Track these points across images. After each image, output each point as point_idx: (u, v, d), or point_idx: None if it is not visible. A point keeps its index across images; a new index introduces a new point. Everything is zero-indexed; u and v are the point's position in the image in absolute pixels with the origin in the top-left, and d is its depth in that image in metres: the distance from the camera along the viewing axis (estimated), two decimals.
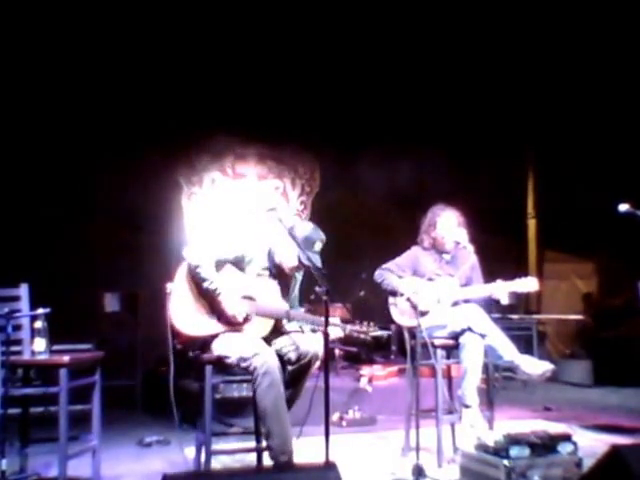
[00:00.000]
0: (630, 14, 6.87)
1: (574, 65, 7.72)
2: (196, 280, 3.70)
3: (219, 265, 3.76)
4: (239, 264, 3.83)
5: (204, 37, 7.17)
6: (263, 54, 7.43)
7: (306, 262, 3.67)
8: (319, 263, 3.68)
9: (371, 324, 3.81)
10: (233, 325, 3.72)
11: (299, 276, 4.05)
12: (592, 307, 8.88)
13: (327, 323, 3.30)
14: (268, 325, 3.78)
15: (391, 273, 4.51)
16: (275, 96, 7.67)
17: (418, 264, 4.54)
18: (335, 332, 3.77)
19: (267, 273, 3.88)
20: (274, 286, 3.86)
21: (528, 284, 4.33)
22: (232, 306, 3.69)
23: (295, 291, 4.07)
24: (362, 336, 3.80)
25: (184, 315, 3.69)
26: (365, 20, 7.20)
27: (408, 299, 4.09)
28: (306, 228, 3.82)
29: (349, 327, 3.77)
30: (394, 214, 8.15)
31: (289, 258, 3.83)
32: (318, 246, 3.79)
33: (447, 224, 4.53)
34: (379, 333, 3.86)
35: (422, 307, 4.27)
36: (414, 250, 4.64)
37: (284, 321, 3.86)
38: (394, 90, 7.97)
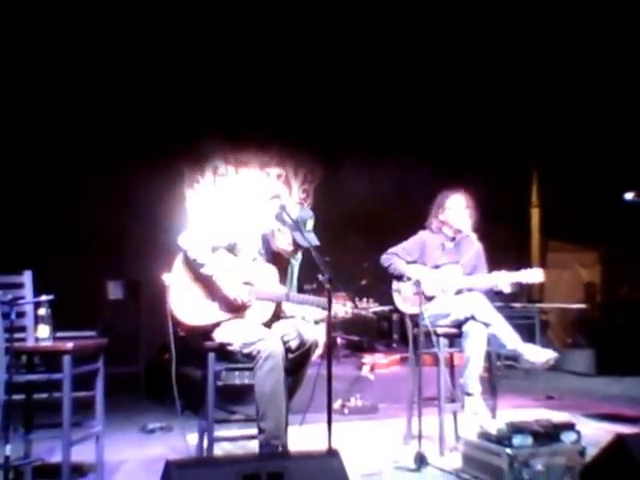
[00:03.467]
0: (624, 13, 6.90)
1: (575, 60, 7.70)
2: (194, 267, 3.70)
3: (213, 251, 3.75)
4: (232, 250, 3.83)
5: (206, 33, 7.19)
6: (263, 55, 7.47)
7: (304, 243, 3.67)
8: (316, 241, 3.67)
9: (371, 300, 3.82)
10: (235, 310, 3.72)
11: (295, 262, 4.05)
12: (594, 296, 8.87)
13: (330, 311, 3.29)
14: (268, 309, 3.78)
15: (398, 258, 4.51)
16: (273, 95, 7.69)
17: (424, 248, 4.55)
18: (337, 310, 3.76)
19: (261, 259, 3.88)
20: (272, 270, 3.85)
21: (534, 275, 4.32)
22: (233, 289, 3.69)
23: (294, 279, 4.06)
24: (363, 312, 3.80)
25: (185, 304, 3.68)
26: (371, 19, 7.26)
27: (416, 282, 4.07)
28: (294, 210, 3.80)
29: (350, 304, 3.77)
30: (397, 203, 8.15)
31: (286, 244, 3.83)
32: (310, 224, 3.78)
33: (456, 206, 4.54)
34: (380, 308, 3.87)
35: (428, 292, 4.28)
36: (421, 234, 4.64)
37: (284, 305, 3.86)
38: (396, 88, 8.01)
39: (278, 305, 3.83)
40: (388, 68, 7.85)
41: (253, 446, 3.90)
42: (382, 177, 8.08)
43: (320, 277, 3.35)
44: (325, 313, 3.74)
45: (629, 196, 4.35)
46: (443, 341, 4.25)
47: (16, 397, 3.34)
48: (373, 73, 7.84)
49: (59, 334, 3.69)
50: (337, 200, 8.03)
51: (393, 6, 7.20)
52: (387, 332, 7.69)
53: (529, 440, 3.49)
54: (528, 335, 7.18)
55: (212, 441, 3.68)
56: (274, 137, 8.10)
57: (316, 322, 3.90)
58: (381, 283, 4.63)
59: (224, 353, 3.71)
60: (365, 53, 7.63)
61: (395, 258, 4.52)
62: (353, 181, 8.19)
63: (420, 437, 3.88)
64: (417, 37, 7.58)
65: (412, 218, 4.84)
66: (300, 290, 4.10)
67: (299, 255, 4.02)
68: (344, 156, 8.16)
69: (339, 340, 6.84)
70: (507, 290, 4.36)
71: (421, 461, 3.85)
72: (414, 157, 8.07)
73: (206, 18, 7.10)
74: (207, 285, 3.70)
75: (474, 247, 4.50)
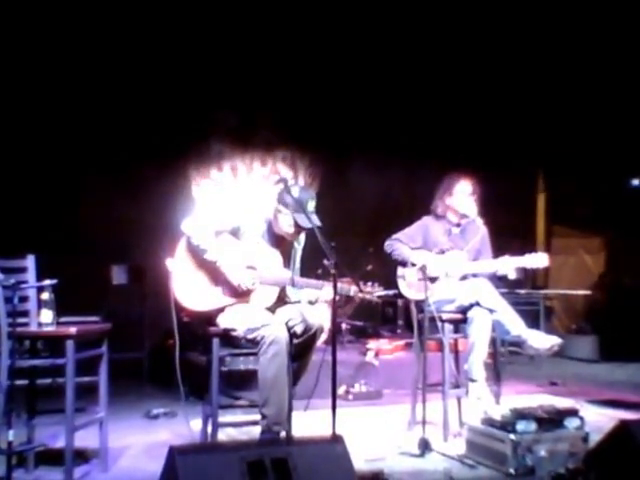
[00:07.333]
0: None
1: (580, 49, 7.66)
2: (197, 252, 3.68)
3: (217, 235, 3.74)
4: (236, 234, 3.82)
5: (214, 32, 7.16)
6: (272, 52, 7.45)
7: (305, 225, 3.65)
8: (317, 222, 3.65)
9: (376, 285, 3.80)
10: (238, 296, 3.70)
11: (298, 246, 4.03)
12: (605, 283, 8.82)
13: (335, 297, 3.28)
14: (272, 294, 3.77)
15: (401, 243, 4.49)
16: (280, 93, 7.65)
17: (428, 234, 4.53)
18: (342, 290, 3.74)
19: (265, 243, 3.86)
20: (275, 254, 3.84)
21: (538, 260, 4.29)
22: (237, 275, 3.67)
23: (297, 263, 4.05)
24: (368, 296, 3.79)
25: (188, 290, 3.68)
26: (386, 21, 7.28)
27: (421, 267, 4.04)
28: (294, 191, 3.77)
29: (354, 288, 3.75)
30: (402, 188, 8.13)
31: (288, 226, 3.81)
32: (311, 205, 3.75)
33: (463, 191, 4.51)
34: (384, 292, 3.86)
35: (432, 274, 4.25)
36: (424, 220, 4.62)
37: (288, 290, 3.85)
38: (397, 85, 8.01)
39: (282, 289, 3.81)
40: (397, 67, 7.84)
41: (257, 432, 3.89)
42: (390, 166, 8.06)
43: (326, 262, 3.33)
44: (318, 294, 3.75)
45: (636, 182, 4.32)
46: (448, 327, 4.24)
47: (19, 382, 3.34)
48: (382, 71, 7.83)
49: (62, 319, 3.69)
50: (343, 184, 8.00)
51: (407, 11, 7.23)
52: (392, 318, 7.67)
53: (533, 426, 3.49)
54: (532, 321, 7.18)
55: (216, 427, 3.69)
56: (282, 134, 8.07)
57: (311, 303, 3.87)
58: (387, 269, 4.61)
59: (228, 338, 3.71)
60: (374, 53, 7.62)
61: (398, 244, 4.50)
62: (360, 168, 8.17)
63: (424, 423, 3.88)
64: (425, 38, 7.58)
65: (420, 205, 4.82)
66: (314, 276, 4.09)
67: (302, 238, 4.00)
68: (352, 147, 8.11)
69: (344, 326, 6.84)
70: (512, 276, 4.34)
71: (425, 447, 3.85)
72: (422, 146, 8.03)
73: (215, 18, 7.08)
74: (211, 270, 3.69)
75: (480, 232, 4.48)
